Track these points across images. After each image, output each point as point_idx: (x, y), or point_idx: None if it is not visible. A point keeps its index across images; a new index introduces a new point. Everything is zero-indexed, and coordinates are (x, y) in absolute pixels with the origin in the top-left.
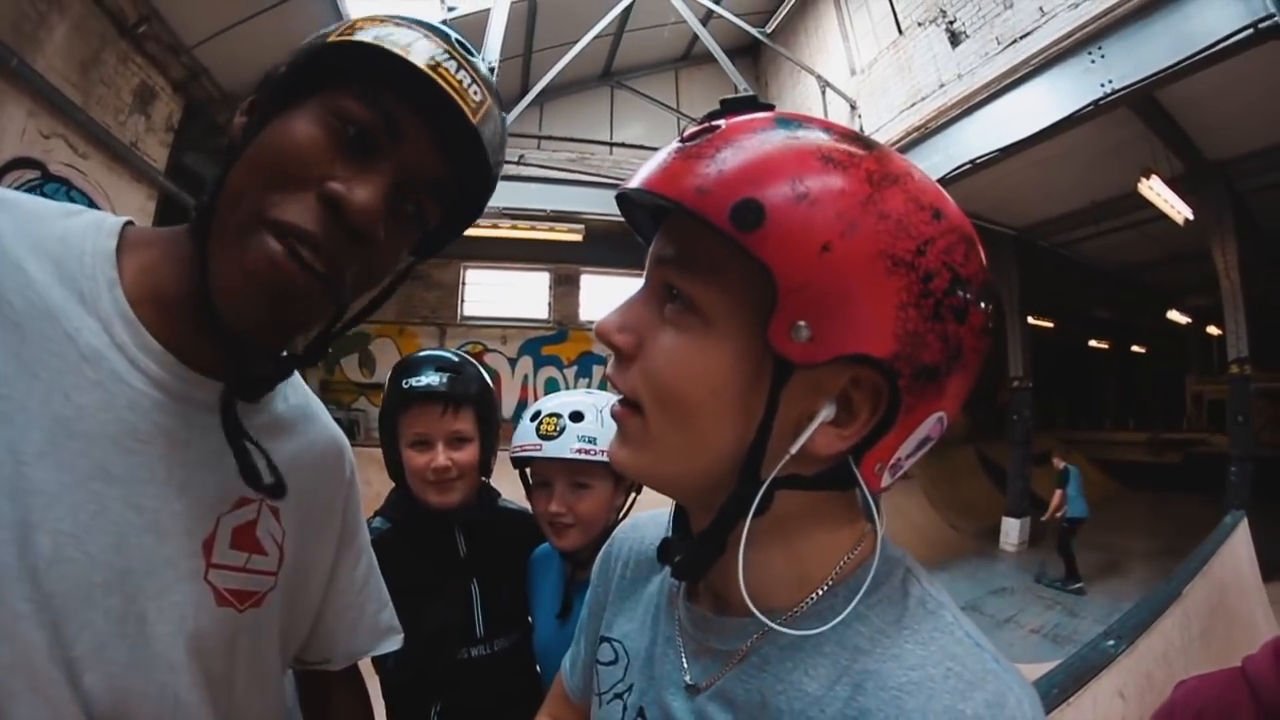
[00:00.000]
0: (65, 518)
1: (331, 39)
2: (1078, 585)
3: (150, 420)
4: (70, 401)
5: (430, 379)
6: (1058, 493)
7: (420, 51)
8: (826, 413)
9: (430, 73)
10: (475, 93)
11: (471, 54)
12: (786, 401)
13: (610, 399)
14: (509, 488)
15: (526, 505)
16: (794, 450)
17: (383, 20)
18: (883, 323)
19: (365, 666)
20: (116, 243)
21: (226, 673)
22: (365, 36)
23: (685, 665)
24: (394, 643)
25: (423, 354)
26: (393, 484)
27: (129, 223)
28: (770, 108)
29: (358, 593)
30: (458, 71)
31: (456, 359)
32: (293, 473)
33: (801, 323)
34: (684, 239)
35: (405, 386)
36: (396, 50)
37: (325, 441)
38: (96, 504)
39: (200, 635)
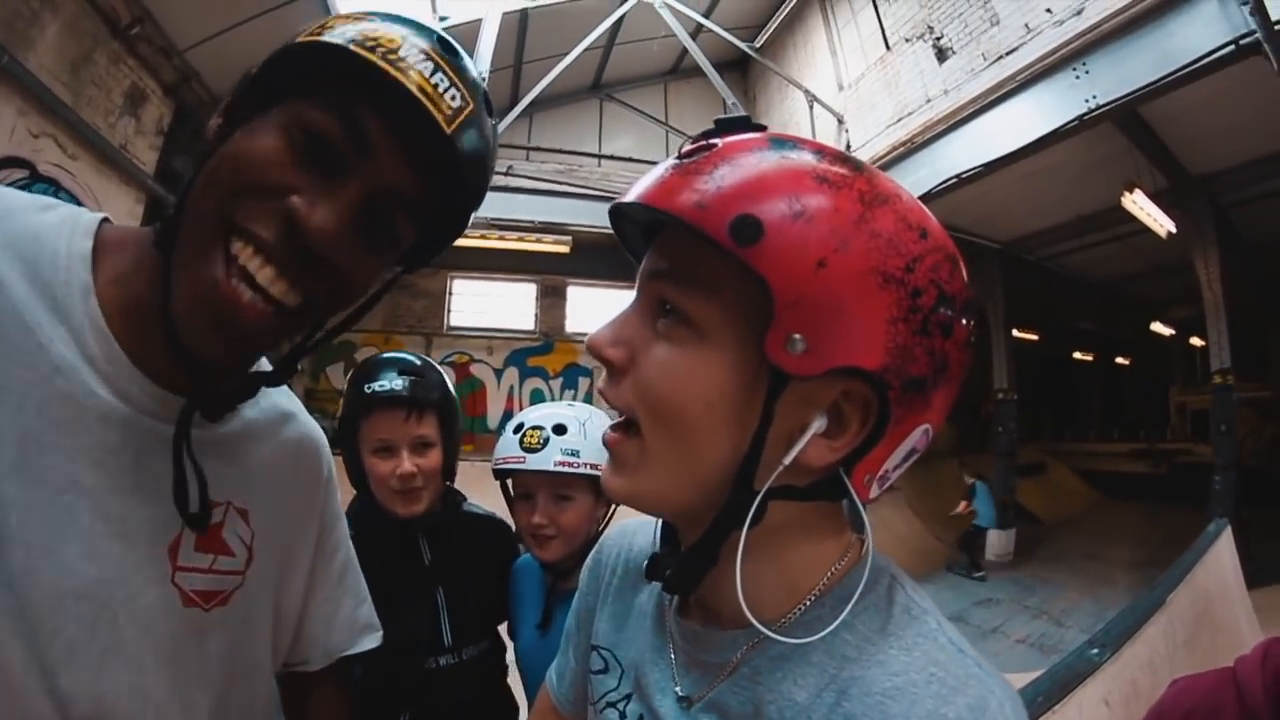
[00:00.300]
0: (38, 530)
1: (301, 38)
2: (980, 574)
3: (120, 434)
4: (42, 415)
5: (393, 383)
6: (962, 502)
7: (389, 53)
8: (818, 424)
9: (400, 76)
10: (453, 97)
11: (454, 53)
12: (779, 414)
13: (592, 411)
14: (493, 500)
15: (494, 510)
16: (787, 461)
17: (360, 17)
18: (874, 336)
19: None
20: (92, 243)
21: (200, 671)
22: (337, 37)
23: (676, 677)
24: (373, 640)
25: (383, 357)
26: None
27: (105, 219)
28: (763, 128)
29: (334, 586)
30: (433, 74)
31: (418, 362)
32: (266, 475)
33: (797, 335)
34: (679, 254)
35: (367, 391)
36: (361, 53)
37: (299, 441)
38: (68, 515)
39: (169, 636)
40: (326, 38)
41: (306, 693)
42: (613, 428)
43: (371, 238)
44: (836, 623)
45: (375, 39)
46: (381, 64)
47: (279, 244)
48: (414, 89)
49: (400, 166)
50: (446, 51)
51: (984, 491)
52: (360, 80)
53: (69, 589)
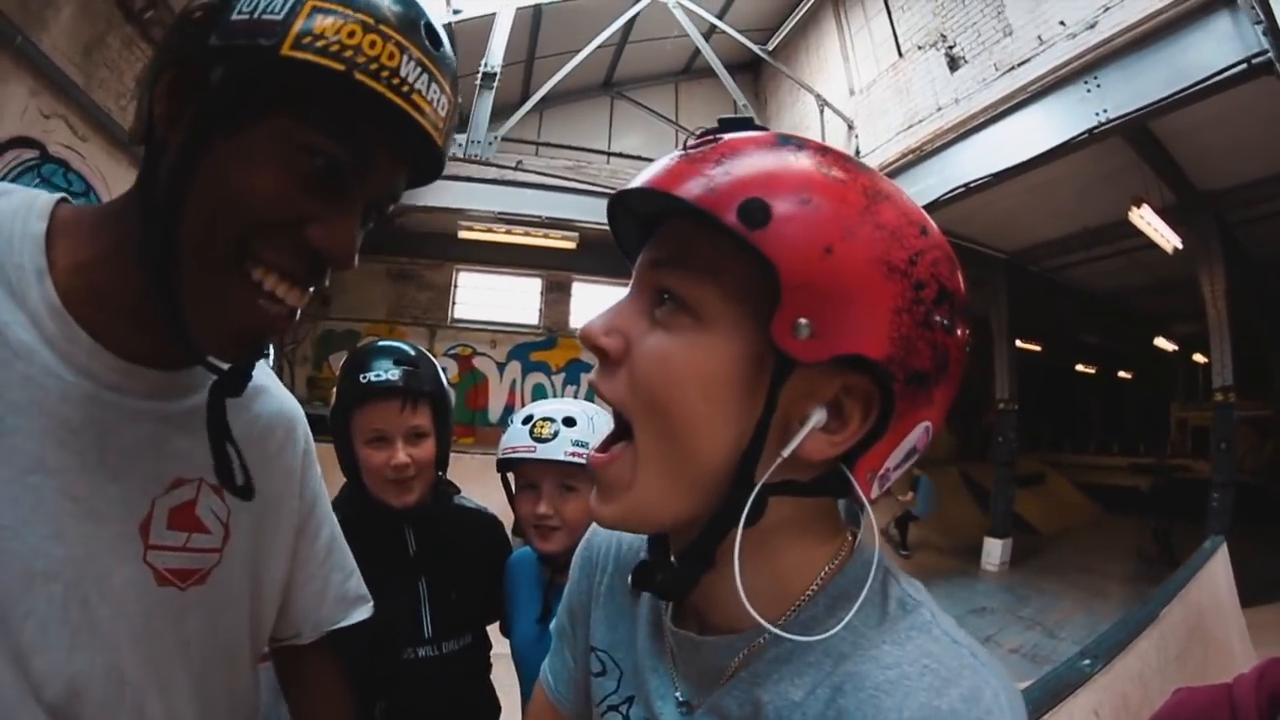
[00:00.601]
0: (5, 513)
1: (289, 50)
2: (905, 552)
3: (83, 411)
4: (3, 400)
5: (389, 373)
6: (910, 494)
7: (393, 75)
8: (818, 417)
9: (410, 110)
10: (442, 106)
11: (438, 43)
12: (780, 404)
13: (598, 409)
14: (492, 493)
15: (488, 506)
16: (785, 454)
17: (334, 5)
18: (879, 325)
19: None
20: (47, 225)
21: (178, 651)
22: (320, 48)
23: (675, 683)
24: (363, 611)
25: (377, 345)
26: None
27: (63, 199)
28: (764, 129)
29: (320, 563)
30: (429, 88)
31: (413, 352)
32: (241, 449)
33: (803, 320)
34: (680, 242)
35: (363, 381)
36: (369, 84)
37: (273, 414)
38: (34, 497)
39: (143, 615)
40: (317, 54)
41: (300, 663)
42: (599, 448)
43: (365, 225)
44: (840, 625)
45: (375, 58)
46: (394, 98)
47: (301, 269)
48: (421, 120)
49: (396, 174)
50: (434, 45)
51: (926, 486)
52: (361, 99)
53: (39, 570)
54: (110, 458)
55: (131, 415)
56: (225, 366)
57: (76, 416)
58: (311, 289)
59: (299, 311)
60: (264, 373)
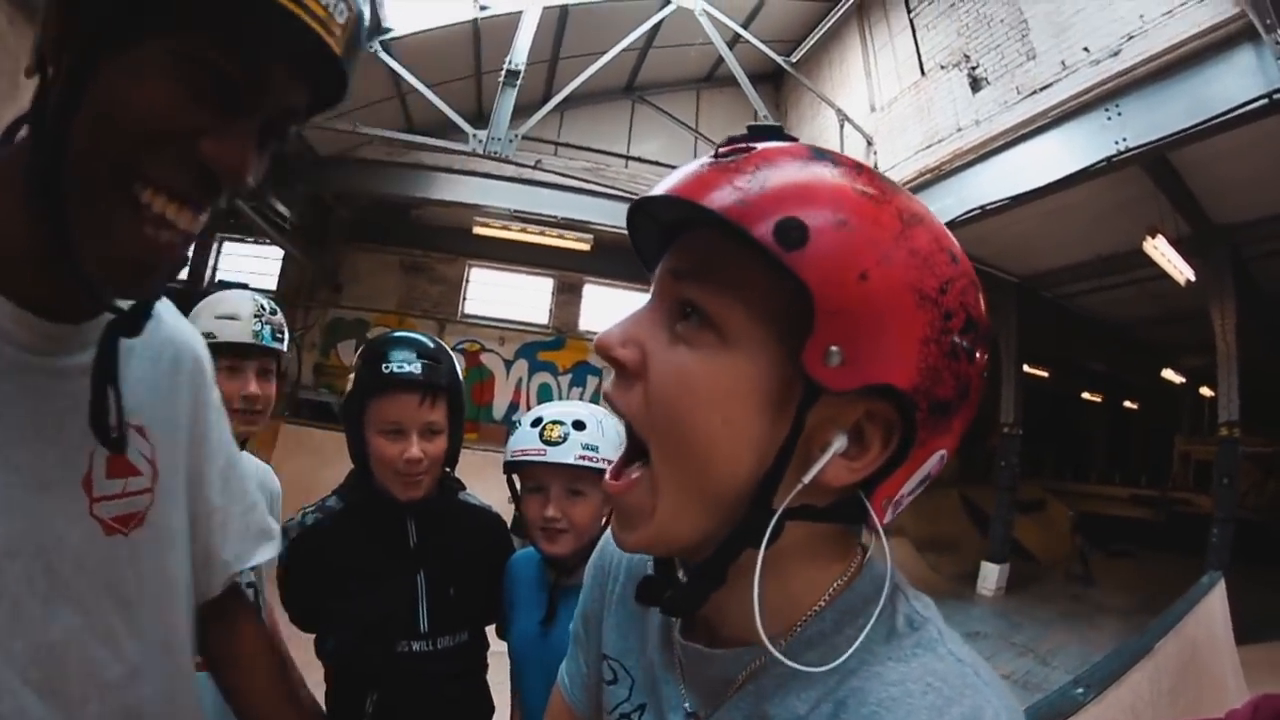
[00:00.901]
0: None
1: None
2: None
3: (11, 381)
4: None
5: (411, 365)
6: None
7: None
8: (839, 443)
9: (301, 13)
10: (341, 12)
11: None
12: (803, 429)
13: (605, 412)
14: (490, 489)
15: (491, 503)
16: (806, 480)
17: None
18: (909, 355)
19: (310, 654)
20: None
21: (138, 594)
22: None
23: (684, 693)
24: (270, 549)
25: (399, 336)
26: None
27: None
28: (794, 139)
29: (219, 493)
30: None
31: (433, 345)
32: (149, 385)
33: (834, 348)
34: (706, 253)
35: (385, 371)
36: None
37: (174, 344)
38: None
39: (101, 568)
40: None
41: (219, 624)
42: (613, 473)
43: (265, 147)
44: (849, 653)
45: None
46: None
47: (198, 190)
48: (311, 22)
49: (294, 89)
50: None
51: None
52: (248, 4)
53: (1, 551)
54: (46, 421)
55: (58, 375)
56: (126, 307)
57: (6, 387)
58: (203, 214)
59: (192, 239)
60: (160, 304)
